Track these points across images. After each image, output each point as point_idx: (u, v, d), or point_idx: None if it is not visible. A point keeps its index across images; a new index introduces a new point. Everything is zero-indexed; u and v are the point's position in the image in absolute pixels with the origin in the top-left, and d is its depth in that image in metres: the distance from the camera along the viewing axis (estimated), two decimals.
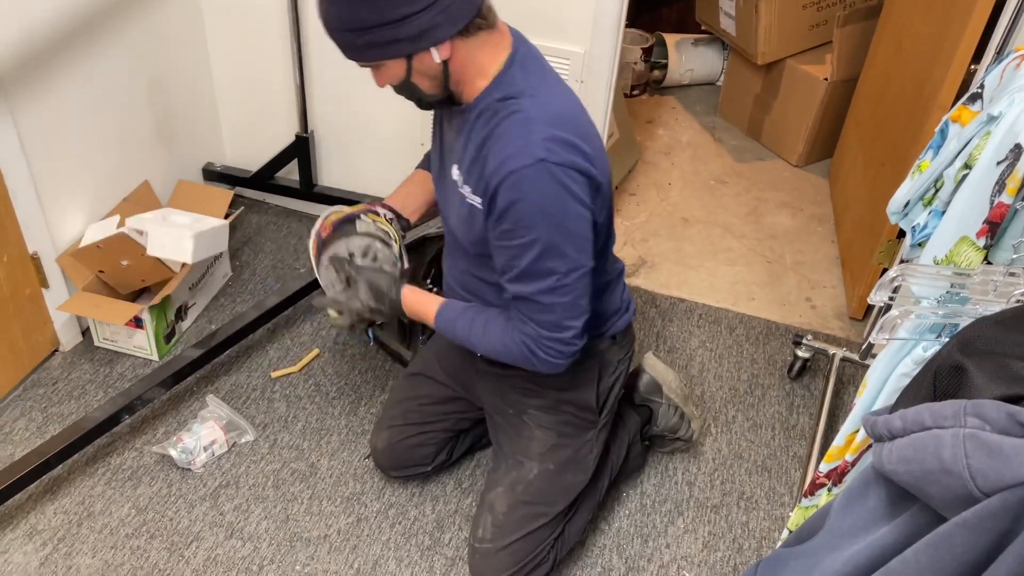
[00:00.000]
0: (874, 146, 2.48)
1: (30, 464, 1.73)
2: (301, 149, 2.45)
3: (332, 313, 1.58)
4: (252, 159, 2.54)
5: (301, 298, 2.24)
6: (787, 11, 2.87)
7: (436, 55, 1.27)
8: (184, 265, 2.11)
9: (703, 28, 3.34)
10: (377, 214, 1.62)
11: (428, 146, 1.63)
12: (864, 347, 2.11)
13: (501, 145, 1.29)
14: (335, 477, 1.90)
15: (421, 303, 1.56)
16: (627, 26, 2.55)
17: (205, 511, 1.81)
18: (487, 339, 1.47)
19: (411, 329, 2.07)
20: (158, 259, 2.06)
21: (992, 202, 1.11)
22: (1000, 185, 1.10)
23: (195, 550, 1.74)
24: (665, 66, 3.38)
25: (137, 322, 2.05)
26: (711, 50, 3.44)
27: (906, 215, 1.39)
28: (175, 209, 2.16)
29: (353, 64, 1.33)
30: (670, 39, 3.39)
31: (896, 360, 1.19)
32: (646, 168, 3.01)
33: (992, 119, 1.14)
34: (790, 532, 1.39)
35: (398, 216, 1.68)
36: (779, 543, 1.49)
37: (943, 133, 1.30)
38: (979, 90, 1.25)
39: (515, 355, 1.43)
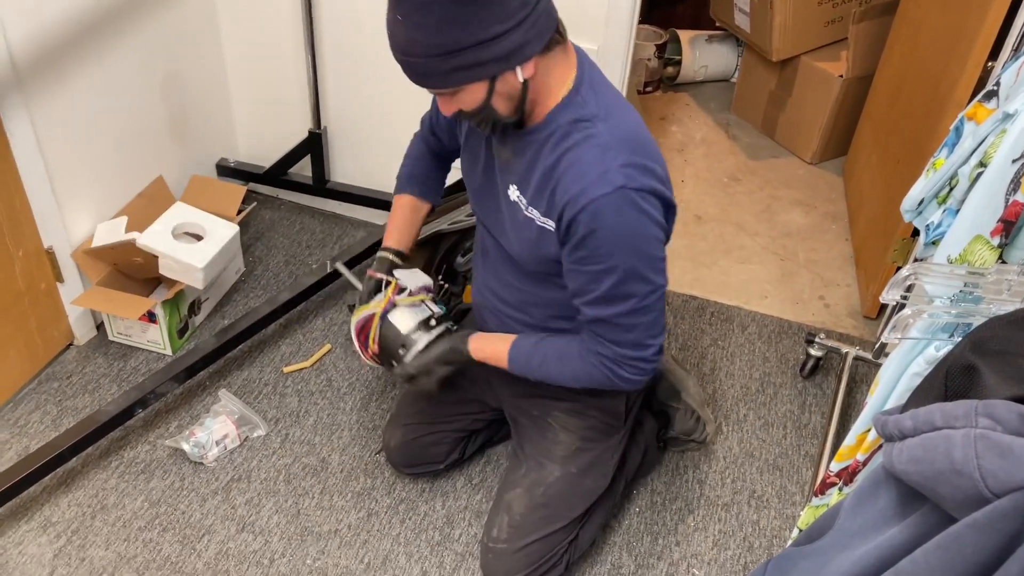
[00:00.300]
0: (889, 143, 2.46)
1: (45, 457, 1.74)
2: (314, 145, 2.46)
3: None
4: (265, 155, 2.55)
5: (313, 293, 2.25)
6: (802, 7, 2.85)
7: (520, 74, 1.22)
8: None
9: (717, 24, 3.33)
10: (401, 291, 1.59)
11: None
12: (877, 346, 2.09)
13: (577, 172, 1.26)
14: (346, 472, 1.90)
15: (491, 350, 1.53)
16: (641, 22, 2.55)
17: (217, 505, 1.82)
18: (565, 370, 1.45)
19: None
20: None
21: (1007, 200, 1.10)
22: (1015, 183, 1.09)
23: (207, 543, 1.75)
24: (679, 63, 3.37)
25: (151, 317, 2.07)
26: (725, 47, 3.42)
27: (920, 213, 1.38)
28: (186, 206, 2.17)
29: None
30: (684, 35, 3.38)
31: (908, 359, 1.18)
32: None
33: (1008, 117, 1.13)
34: (800, 531, 1.38)
35: (401, 255, 1.65)
36: (789, 542, 1.49)
37: (958, 131, 1.29)
38: (995, 87, 1.24)
39: (597, 379, 1.42)
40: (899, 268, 1.56)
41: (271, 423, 2.00)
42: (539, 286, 1.48)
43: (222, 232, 2.14)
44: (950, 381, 0.85)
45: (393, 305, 1.56)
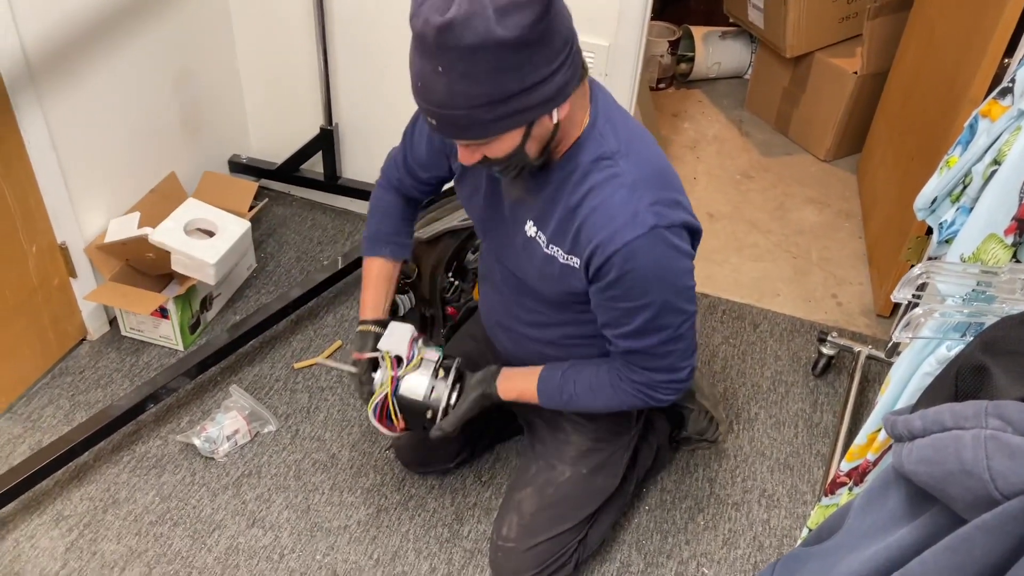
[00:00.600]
0: (904, 141, 2.44)
1: (57, 451, 1.76)
2: (326, 141, 2.47)
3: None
4: (277, 151, 2.56)
5: (324, 290, 2.25)
6: (816, 3, 2.83)
7: (555, 116, 1.16)
8: None
9: (731, 21, 3.31)
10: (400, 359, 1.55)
11: None
12: (890, 345, 2.07)
13: (606, 214, 1.24)
14: (356, 468, 1.91)
15: (519, 390, 1.52)
16: (654, 19, 2.54)
17: (228, 500, 1.83)
18: (598, 400, 1.45)
19: (431, 324, 2.08)
20: None
21: (1021, 199, 1.09)
22: None
23: (217, 538, 1.76)
24: (692, 59, 3.35)
25: (163, 312, 2.08)
26: (739, 43, 3.40)
27: (933, 211, 1.37)
28: (198, 202, 2.17)
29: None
30: (697, 32, 3.36)
31: (920, 359, 1.17)
32: (671, 162, 2.97)
33: (1023, 114, 1.12)
34: (810, 531, 1.38)
35: (382, 323, 1.60)
36: (799, 541, 1.48)
37: (972, 128, 1.28)
38: (1010, 84, 1.22)
39: (631, 404, 1.43)
40: (913, 267, 1.54)
41: (282, 419, 2.00)
42: (557, 310, 1.47)
43: (234, 228, 2.15)
44: (960, 381, 0.85)
45: (399, 380, 1.52)
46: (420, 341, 1.57)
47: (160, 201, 2.20)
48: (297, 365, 2.14)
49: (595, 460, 1.64)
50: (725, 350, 2.25)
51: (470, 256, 2.06)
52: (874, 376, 2.16)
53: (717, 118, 3.25)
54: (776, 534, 1.82)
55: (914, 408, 0.87)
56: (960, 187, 1.29)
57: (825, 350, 2.16)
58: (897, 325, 1.13)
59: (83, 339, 2.16)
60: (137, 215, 2.10)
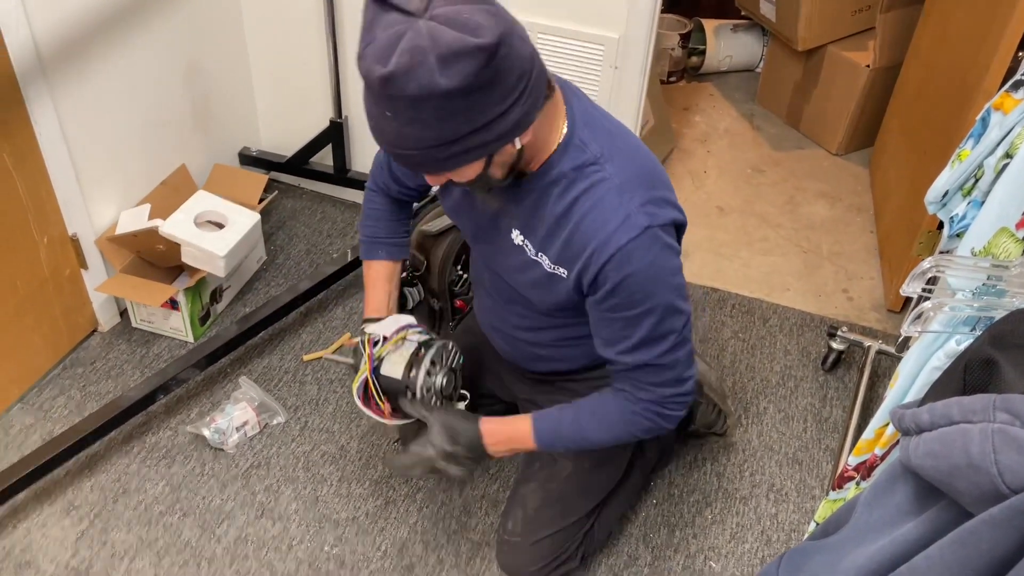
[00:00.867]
0: (916, 135, 2.42)
1: (68, 441, 1.77)
2: (335, 134, 2.47)
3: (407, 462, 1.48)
4: (287, 144, 2.57)
5: (334, 282, 2.26)
6: None
7: (518, 143, 1.14)
8: None
9: (743, 14, 3.29)
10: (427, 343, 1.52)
11: None
12: (900, 340, 2.06)
13: (597, 219, 1.21)
14: (364, 460, 1.91)
15: (508, 432, 1.44)
16: (665, 11, 2.53)
17: (237, 491, 1.84)
18: (604, 431, 1.39)
19: (440, 317, 2.08)
20: None
21: None
22: None
23: (226, 528, 1.77)
24: (703, 52, 3.34)
25: (173, 304, 2.09)
26: (750, 36, 3.39)
27: (944, 205, 1.36)
28: (209, 194, 2.18)
29: None
30: (709, 25, 3.35)
31: (929, 353, 1.17)
32: (681, 156, 2.97)
33: None
34: (817, 525, 1.37)
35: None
36: (806, 536, 1.47)
37: (984, 121, 1.27)
38: (1023, 77, 1.21)
39: (643, 430, 1.37)
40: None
41: (291, 410, 2.01)
42: (547, 315, 1.45)
43: (244, 220, 2.15)
44: (969, 375, 0.84)
45: (379, 359, 1.50)
46: (413, 330, 1.53)
47: (170, 193, 2.21)
48: (306, 357, 2.14)
49: (597, 454, 1.63)
50: (734, 344, 2.24)
51: None
52: (884, 371, 2.15)
53: (728, 112, 3.23)
54: (784, 528, 1.82)
55: (923, 402, 0.87)
56: (972, 181, 1.28)
57: (835, 345, 2.15)
58: (907, 319, 1.12)
59: (94, 330, 2.18)
60: (148, 207, 2.11)
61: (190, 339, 2.17)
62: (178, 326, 2.15)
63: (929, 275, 1.11)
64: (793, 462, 1.95)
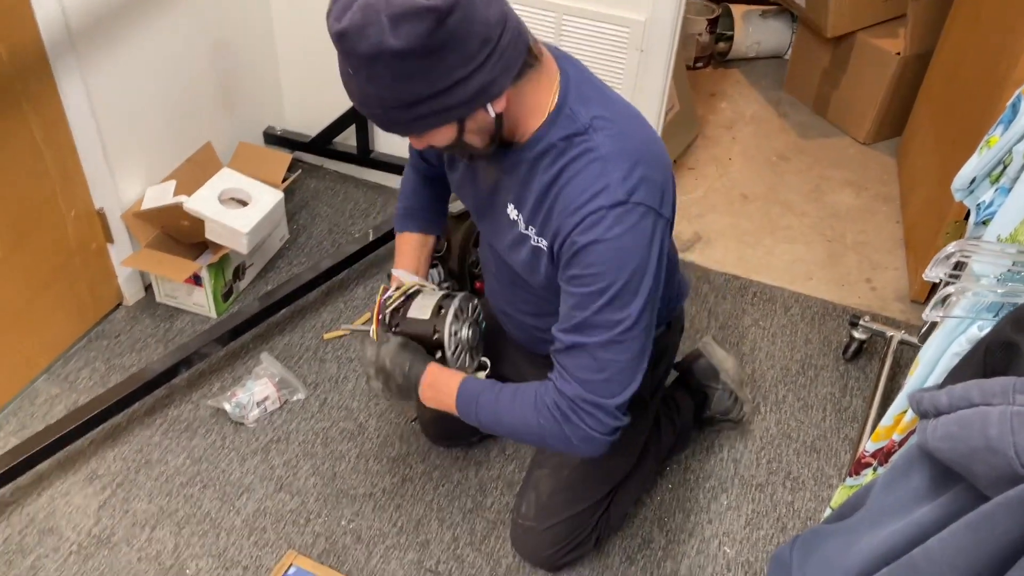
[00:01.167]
0: (946, 123, 2.39)
1: (92, 411, 1.80)
2: (358, 115, 2.47)
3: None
4: (311, 124, 2.58)
5: (355, 262, 2.27)
6: None
7: (491, 110, 1.14)
8: None
9: None
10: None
11: None
12: (924, 330, 2.03)
13: (577, 187, 1.19)
14: (382, 438, 1.93)
15: (443, 381, 1.41)
16: None
17: (256, 464, 1.87)
18: (516, 416, 1.32)
19: None
20: None
21: None
22: None
23: (245, 501, 1.80)
24: (731, 38, 3.30)
25: (196, 280, 2.11)
26: (779, 22, 3.35)
27: (971, 192, 1.34)
28: (233, 172, 2.20)
29: None
30: (737, 10, 3.31)
31: (950, 339, 1.15)
32: (706, 142, 2.95)
33: None
34: (832, 510, 1.37)
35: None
36: (822, 521, 1.47)
37: (1015, 107, 1.25)
38: None
39: (550, 432, 1.29)
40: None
41: (310, 387, 2.03)
42: (548, 301, 1.40)
43: (267, 198, 2.17)
44: (989, 357, 0.83)
45: (410, 296, 1.51)
46: (433, 284, 1.56)
47: (196, 170, 2.23)
48: (327, 335, 2.16)
49: None
50: (755, 332, 2.23)
51: None
52: (906, 362, 2.13)
53: (755, 98, 3.20)
54: (800, 516, 1.81)
55: (943, 385, 0.86)
56: (1000, 167, 1.26)
57: (857, 334, 2.13)
58: (930, 304, 1.11)
59: (119, 304, 2.21)
60: (173, 183, 2.13)
61: (213, 315, 2.19)
62: (201, 302, 2.17)
63: (954, 259, 1.10)
64: (811, 450, 1.94)
